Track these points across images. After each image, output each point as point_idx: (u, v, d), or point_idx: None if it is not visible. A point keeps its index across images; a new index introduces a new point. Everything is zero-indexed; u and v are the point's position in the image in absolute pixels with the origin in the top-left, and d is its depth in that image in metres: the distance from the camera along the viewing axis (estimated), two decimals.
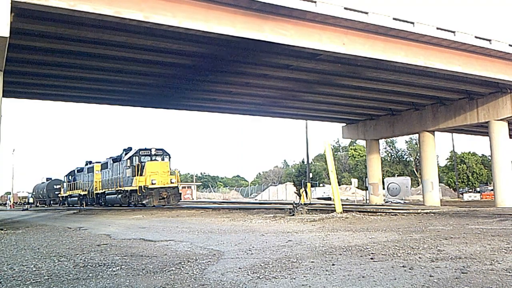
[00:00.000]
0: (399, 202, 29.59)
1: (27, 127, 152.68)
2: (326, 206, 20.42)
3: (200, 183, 77.50)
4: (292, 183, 51.24)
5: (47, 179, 45.98)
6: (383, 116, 28.22)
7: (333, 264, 4.91)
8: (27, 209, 34.54)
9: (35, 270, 5.09)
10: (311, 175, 41.39)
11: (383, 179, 32.44)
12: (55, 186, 43.23)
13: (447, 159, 60.25)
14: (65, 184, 40.01)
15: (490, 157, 23.35)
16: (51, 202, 42.78)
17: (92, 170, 33.61)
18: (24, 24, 12.40)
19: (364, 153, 49.30)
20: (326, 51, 14.55)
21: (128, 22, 11.62)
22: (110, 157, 31.24)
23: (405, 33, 15.32)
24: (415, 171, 59.32)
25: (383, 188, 32.62)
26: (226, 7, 12.32)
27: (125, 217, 16.46)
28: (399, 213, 13.96)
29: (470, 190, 51.44)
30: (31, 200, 44.73)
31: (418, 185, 49.33)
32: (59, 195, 41.47)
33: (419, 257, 5.23)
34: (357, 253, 5.66)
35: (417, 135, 27.54)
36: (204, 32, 12.40)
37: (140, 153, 26.97)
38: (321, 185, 51.00)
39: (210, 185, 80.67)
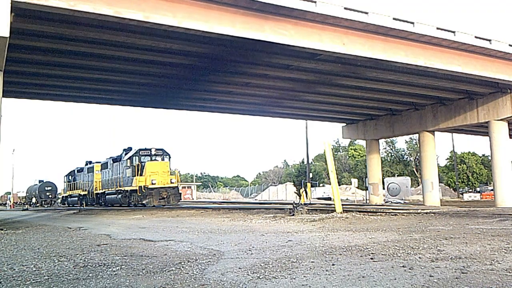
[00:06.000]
0: (399, 202, 29.58)
1: (27, 127, 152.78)
2: (326, 206, 20.42)
3: (200, 183, 77.50)
4: (292, 183, 51.22)
5: (39, 181, 47.93)
6: (383, 116, 28.22)
7: (333, 264, 4.91)
8: (27, 209, 34.58)
9: (35, 270, 5.09)
10: (311, 175, 41.38)
11: (383, 179, 32.44)
12: (46, 188, 46.29)
13: (447, 159, 60.32)
14: (65, 184, 40.31)
15: (490, 157, 23.35)
16: (43, 202, 45.24)
17: (92, 170, 33.63)
18: (24, 24, 12.39)
19: (364, 153, 49.29)
20: (326, 51, 14.55)
21: (128, 22, 11.61)
22: (110, 157, 31.25)
23: (405, 33, 15.32)
24: (415, 171, 59.30)
25: (383, 188, 32.61)
26: (226, 7, 12.32)
27: (125, 217, 16.46)
28: (399, 213, 13.96)
29: (470, 190, 51.48)
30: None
31: (418, 185, 49.31)
32: (50, 196, 45.48)
33: (419, 257, 5.23)
34: (357, 253, 5.66)
35: (417, 135, 27.55)
36: (204, 32, 12.40)
37: (140, 153, 26.97)
38: (321, 185, 50.99)
39: (210, 185, 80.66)
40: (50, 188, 46.45)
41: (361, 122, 29.86)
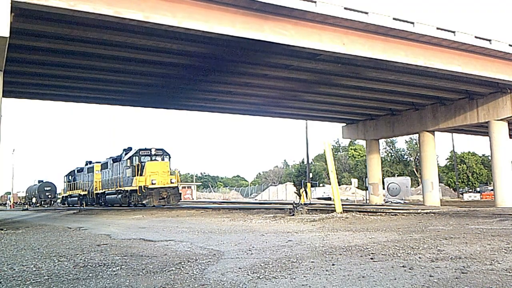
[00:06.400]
0: (399, 202, 29.58)
1: (27, 127, 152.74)
2: (326, 206, 20.42)
3: (200, 183, 77.51)
4: (292, 183, 51.24)
5: (39, 181, 48.49)
6: (383, 116, 28.22)
7: (333, 264, 4.91)
8: (27, 209, 34.59)
9: (35, 270, 5.08)
10: (311, 175, 41.38)
11: (383, 179, 32.43)
12: (45, 188, 47.08)
13: (447, 159, 60.35)
14: (65, 184, 40.38)
15: (490, 157, 23.35)
16: (42, 202, 45.92)
17: (92, 170, 33.64)
18: (24, 24, 12.39)
19: (364, 153, 49.29)
20: (326, 51, 14.55)
21: (128, 22, 11.61)
22: (110, 157, 31.26)
23: (405, 33, 15.32)
24: (415, 171, 59.32)
25: (383, 188, 32.61)
26: (226, 7, 12.32)
27: (125, 217, 16.46)
28: (399, 213, 13.96)
29: (470, 190, 51.47)
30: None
31: (418, 185, 49.33)
32: (50, 196, 46.53)
33: (419, 257, 5.23)
34: (357, 253, 5.66)
35: (417, 135, 27.55)
36: (204, 32, 12.40)
37: (140, 153, 26.97)
38: (321, 185, 51.00)
39: (210, 185, 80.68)
40: (49, 188, 47.09)
41: (361, 122, 29.86)
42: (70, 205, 37.39)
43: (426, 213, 14.23)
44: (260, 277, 4.35)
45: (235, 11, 12.46)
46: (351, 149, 73.05)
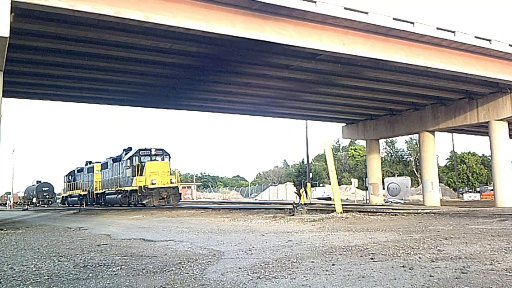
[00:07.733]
0: (399, 202, 29.58)
1: (27, 127, 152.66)
2: (326, 206, 20.42)
3: (200, 183, 77.51)
4: (292, 183, 51.23)
5: (37, 182, 48.96)
6: (383, 116, 28.22)
7: (333, 264, 4.92)
8: (27, 209, 34.61)
9: (35, 270, 5.09)
10: (311, 175, 41.38)
11: (383, 179, 32.43)
12: (43, 188, 47.59)
13: (447, 159, 60.34)
14: (65, 184, 40.44)
15: (490, 157, 23.35)
16: (40, 202, 46.35)
17: (92, 170, 33.64)
18: (24, 24, 12.38)
19: (364, 153, 49.30)
20: (326, 51, 14.55)
21: (128, 22, 11.62)
22: (110, 157, 31.25)
23: (405, 33, 15.32)
24: (415, 171, 59.32)
25: (383, 188, 32.61)
26: (226, 7, 12.32)
27: (125, 217, 16.46)
28: (399, 213, 13.96)
29: (470, 190, 51.42)
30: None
31: (418, 185, 49.33)
32: (48, 197, 47.13)
33: (419, 257, 5.23)
34: (357, 253, 5.66)
35: (417, 135, 27.55)
36: (204, 32, 12.40)
37: (140, 153, 26.98)
38: (321, 185, 51.00)
39: (210, 185, 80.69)
40: (47, 188, 47.44)
41: (361, 122, 29.86)
42: (70, 205, 37.41)
43: (426, 213, 14.23)
44: (260, 277, 4.36)
45: (235, 11, 12.46)
46: (351, 149, 73.05)
